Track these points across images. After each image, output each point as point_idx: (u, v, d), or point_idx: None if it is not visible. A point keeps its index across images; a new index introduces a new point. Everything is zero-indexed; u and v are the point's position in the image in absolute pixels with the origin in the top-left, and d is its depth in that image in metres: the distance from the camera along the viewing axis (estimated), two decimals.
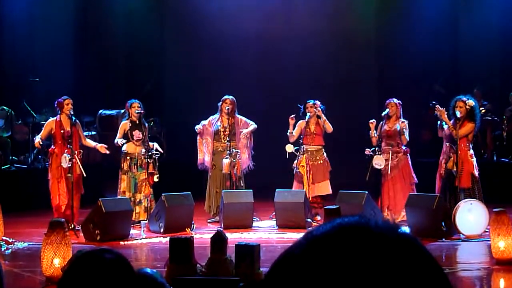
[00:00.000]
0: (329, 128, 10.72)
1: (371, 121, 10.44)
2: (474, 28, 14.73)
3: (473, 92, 12.22)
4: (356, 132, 12.84)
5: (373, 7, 15.34)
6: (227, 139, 10.73)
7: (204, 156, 10.98)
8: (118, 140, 10.53)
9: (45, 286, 6.72)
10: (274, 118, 13.37)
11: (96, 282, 1.56)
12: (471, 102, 9.86)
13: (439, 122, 9.99)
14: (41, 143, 10.06)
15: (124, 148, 10.56)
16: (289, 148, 10.62)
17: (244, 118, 10.99)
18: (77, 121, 10.34)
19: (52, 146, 10.16)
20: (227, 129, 10.80)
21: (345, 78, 15.03)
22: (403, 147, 10.35)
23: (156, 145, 10.76)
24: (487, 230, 8.58)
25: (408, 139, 10.28)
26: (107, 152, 10.53)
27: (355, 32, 15.23)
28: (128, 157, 10.51)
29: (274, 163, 11.49)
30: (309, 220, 10.13)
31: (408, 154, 10.39)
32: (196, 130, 10.91)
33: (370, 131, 10.39)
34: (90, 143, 10.60)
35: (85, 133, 13.41)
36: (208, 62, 15.08)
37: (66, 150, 9.83)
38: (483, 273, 7.56)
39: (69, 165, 9.75)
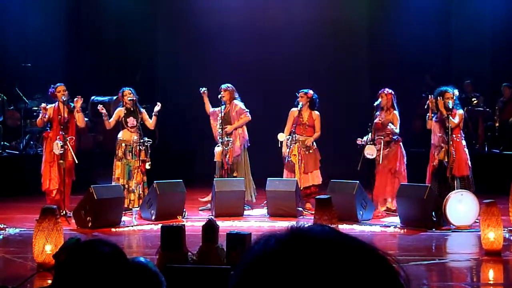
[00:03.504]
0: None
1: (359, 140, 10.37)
2: (466, 19, 14.76)
3: (464, 84, 12.26)
4: (347, 121, 12.85)
5: None
6: (220, 126, 10.70)
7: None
8: (109, 120, 10.51)
9: (36, 272, 6.73)
10: (266, 107, 13.40)
11: (92, 276, 1.58)
12: (456, 91, 10.03)
13: (428, 114, 10.00)
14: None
15: (119, 135, 10.55)
16: (281, 136, 10.62)
17: (240, 105, 10.87)
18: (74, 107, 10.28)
19: (48, 130, 10.11)
20: (224, 117, 10.74)
21: (338, 68, 15.04)
22: (394, 137, 10.34)
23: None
24: (477, 221, 8.62)
25: (395, 130, 10.23)
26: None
27: (348, 22, 15.24)
28: (123, 144, 10.49)
29: (266, 152, 11.49)
30: (300, 208, 10.16)
31: (400, 143, 10.39)
32: (201, 91, 10.84)
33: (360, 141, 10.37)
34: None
35: None
36: (201, 50, 15.06)
37: (58, 137, 9.81)
38: (472, 264, 7.60)
39: (61, 152, 9.74)
